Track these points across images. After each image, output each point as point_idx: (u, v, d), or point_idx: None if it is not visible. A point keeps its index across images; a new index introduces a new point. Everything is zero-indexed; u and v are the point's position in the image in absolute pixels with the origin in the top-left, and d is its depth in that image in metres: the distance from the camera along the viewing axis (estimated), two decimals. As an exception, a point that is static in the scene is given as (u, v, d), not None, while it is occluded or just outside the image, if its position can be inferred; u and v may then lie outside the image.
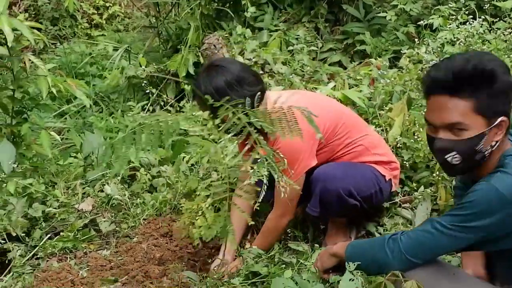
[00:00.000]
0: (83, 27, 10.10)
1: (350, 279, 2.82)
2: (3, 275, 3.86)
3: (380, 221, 3.90)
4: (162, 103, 6.40)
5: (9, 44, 3.94)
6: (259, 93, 3.43)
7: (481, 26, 5.02)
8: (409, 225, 3.81)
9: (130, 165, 4.74)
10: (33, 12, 9.94)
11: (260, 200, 3.23)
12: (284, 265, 3.40)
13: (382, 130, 4.37)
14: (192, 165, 4.79)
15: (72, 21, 10.07)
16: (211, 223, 3.46)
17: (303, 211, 3.99)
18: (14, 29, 3.88)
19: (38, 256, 3.98)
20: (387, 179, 3.70)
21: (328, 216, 3.73)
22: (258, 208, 3.23)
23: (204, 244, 4.05)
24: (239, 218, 3.73)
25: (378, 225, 3.88)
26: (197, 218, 3.62)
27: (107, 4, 10.71)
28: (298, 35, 6.72)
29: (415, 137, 4.15)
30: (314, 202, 3.57)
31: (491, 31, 5.26)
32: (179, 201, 4.42)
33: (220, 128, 3.17)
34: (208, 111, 3.21)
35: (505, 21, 5.63)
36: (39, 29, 4.68)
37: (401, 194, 4.02)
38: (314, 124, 3.03)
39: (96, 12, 10.54)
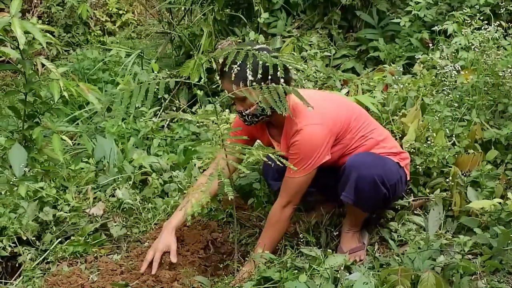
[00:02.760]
0: (96, 34, 10.11)
1: (364, 283, 2.80)
2: (13, 279, 3.86)
3: (392, 227, 3.86)
4: (174, 109, 6.39)
5: (21, 47, 3.93)
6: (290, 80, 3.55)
7: (496, 32, 4.98)
8: (422, 231, 3.78)
9: (142, 170, 4.73)
10: (47, 19, 9.94)
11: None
12: (296, 271, 3.38)
13: (395, 136, 4.33)
14: (204, 170, 4.76)
15: (85, 28, 10.09)
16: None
17: (317, 216, 3.98)
18: (26, 32, 3.87)
19: (48, 260, 3.96)
20: (401, 165, 3.75)
21: (359, 205, 3.70)
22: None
23: (216, 249, 4.04)
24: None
25: (391, 231, 3.84)
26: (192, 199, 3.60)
27: (120, 12, 10.74)
28: (312, 41, 6.69)
29: (429, 142, 4.11)
30: (349, 190, 3.59)
31: (507, 36, 5.21)
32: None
33: (247, 112, 3.24)
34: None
35: (520, 27, 5.60)
36: (52, 34, 4.68)
37: (411, 200, 3.98)
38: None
39: (109, 19, 10.57)
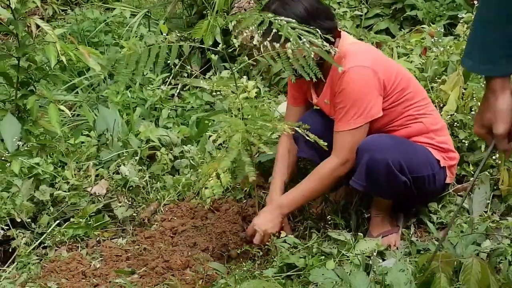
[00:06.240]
0: (97, -9, 10.09)
1: (400, 270, 2.79)
2: (6, 265, 3.87)
3: (431, 208, 3.82)
4: (185, 75, 6.38)
5: (13, 6, 3.93)
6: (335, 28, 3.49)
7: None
8: (465, 213, 3.76)
9: (149, 144, 4.73)
10: (41, -25, 9.94)
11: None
12: (323, 256, 3.37)
13: (435, 106, 4.30)
14: (220, 144, 4.75)
15: (85, -16, 10.06)
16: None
17: (346, 196, 3.96)
18: (18, -11, 3.88)
19: (45, 244, 3.98)
20: (441, 165, 3.64)
21: (375, 193, 3.65)
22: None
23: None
24: (282, 164, 3.94)
25: (430, 212, 3.81)
26: (210, 179, 3.61)
27: (125, -35, 10.70)
28: (340, -1, 6.68)
29: (473, 112, 4.07)
30: (360, 174, 3.50)
31: None
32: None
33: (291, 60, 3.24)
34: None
35: None
36: (47, -9, 4.66)
37: (454, 182, 3.94)
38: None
39: (112, -26, 10.53)
